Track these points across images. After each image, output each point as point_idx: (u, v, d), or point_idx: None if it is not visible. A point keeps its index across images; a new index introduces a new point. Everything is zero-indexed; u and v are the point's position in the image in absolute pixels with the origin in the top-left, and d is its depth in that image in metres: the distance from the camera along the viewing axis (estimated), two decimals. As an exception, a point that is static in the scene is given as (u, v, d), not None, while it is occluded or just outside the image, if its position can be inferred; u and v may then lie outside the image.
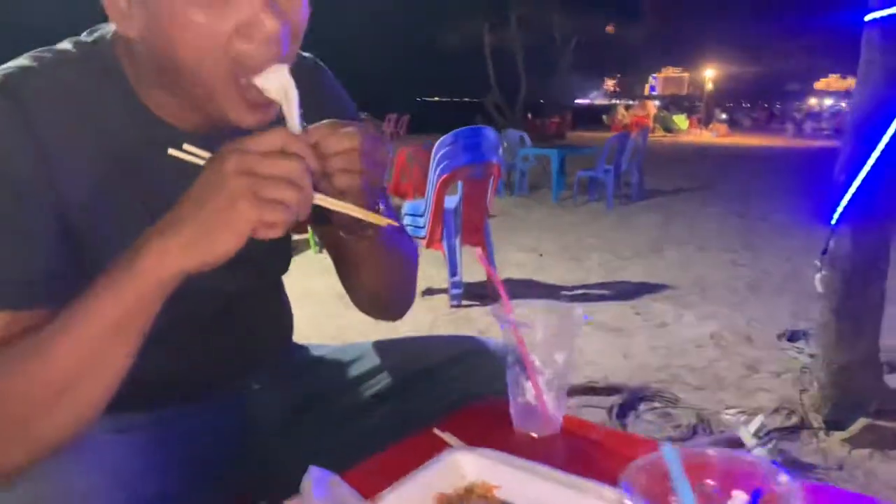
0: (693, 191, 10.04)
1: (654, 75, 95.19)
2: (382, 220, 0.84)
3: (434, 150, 4.17)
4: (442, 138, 4.19)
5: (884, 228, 2.58)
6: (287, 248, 1.14)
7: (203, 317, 0.97)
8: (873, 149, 2.50)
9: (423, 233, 4.25)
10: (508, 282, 4.78)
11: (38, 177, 0.79)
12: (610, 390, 3.00)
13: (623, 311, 4.19)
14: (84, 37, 0.91)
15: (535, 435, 0.96)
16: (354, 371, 1.20)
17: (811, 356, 3.29)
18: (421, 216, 4.27)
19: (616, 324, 3.94)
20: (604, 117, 31.71)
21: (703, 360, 3.37)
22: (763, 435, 2.51)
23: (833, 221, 2.62)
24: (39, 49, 0.88)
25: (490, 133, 4.40)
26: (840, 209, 2.57)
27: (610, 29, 27.43)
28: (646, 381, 3.10)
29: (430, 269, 4.88)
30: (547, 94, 28.64)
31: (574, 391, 2.95)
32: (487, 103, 22.99)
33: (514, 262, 5.41)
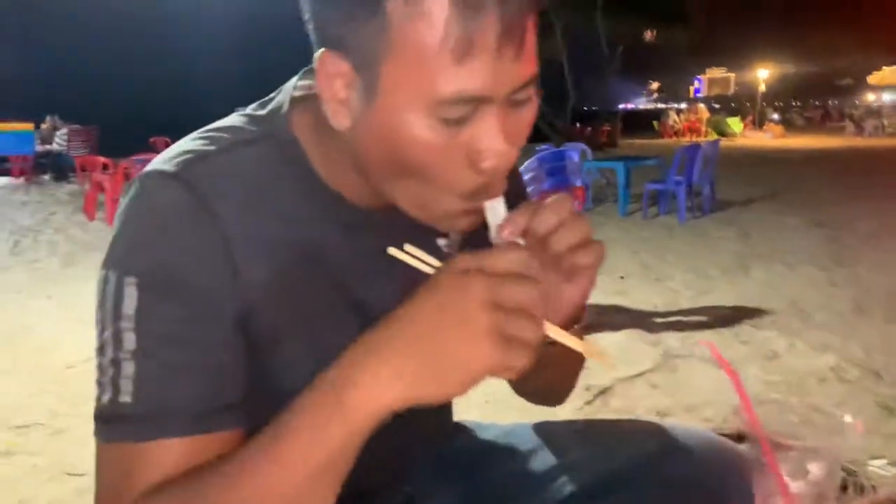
0: (764, 199, 9.66)
1: (699, 77, 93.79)
2: (606, 361, 0.77)
3: (519, 176, 3.99)
4: (525, 163, 4.02)
5: None
6: None
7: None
8: None
9: (508, 262, 4.07)
10: (591, 308, 4.55)
11: (224, 283, 0.70)
12: (738, 437, 2.76)
13: (726, 339, 3.94)
14: (255, 109, 0.80)
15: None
16: (539, 464, 0.99)
17: (953, 393, 3.03)
18: (506, 245, 4.09)
19: (723, 354, 3.68)
20: (654, 123, 31.21)
21: (829, 399, 3.10)
22: (929, 493, 2.25)
23: None
24: (210, 127, 0.78)
25: (573, 155, 4.23)
26: None
27: (650, 35, 26.98)
28: (771, 424, 2.85)
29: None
30: (593, 101, 28.33)
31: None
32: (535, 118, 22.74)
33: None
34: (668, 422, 1.03)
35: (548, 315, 0.69)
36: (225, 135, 0.76)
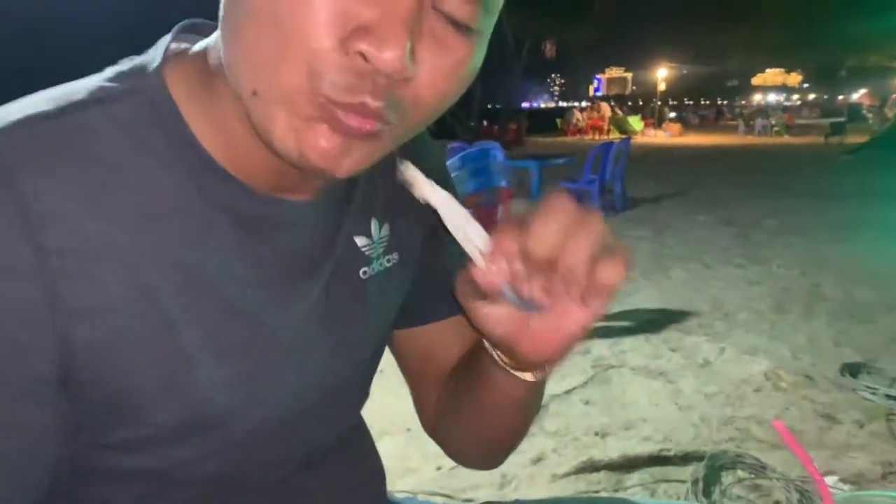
0: (672, 197, 9.78)
1: (598, 76, 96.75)
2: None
3: (440, 178, 3.72)
4: (447, 163, 3.74)
5: None
6: (380, 358, 0.76)
7: (272, 487, 0.65)
8: None
9: (429, 270, 3.79)
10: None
11: (35, 325, 0.46)
12: (685, 458, 2.58)
13: (656, 347, 3.79)
14: (122, 65, 0.56)
15: None
16: None
17: (888, 397, 2.97)
18: (427, 252, 3.81)
19: (655, 365, 3.53)
20: (558, 121, 31.70)
21: (768, 409, 2.99)
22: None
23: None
24: (57, 88, 0.53)
25: (498, 154, 3.98)
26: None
27: (550, 48, 27.32)
28: (715, 441, 2.70)
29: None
30: (498, 99, 28.50)
31: (645, 462, 2.53)
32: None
33: (515, 290, 4.97)
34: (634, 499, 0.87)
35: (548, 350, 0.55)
36: (67, 91, 0.52)
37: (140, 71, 0.55)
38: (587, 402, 3.13)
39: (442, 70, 0.48)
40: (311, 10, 0.42)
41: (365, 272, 0.66)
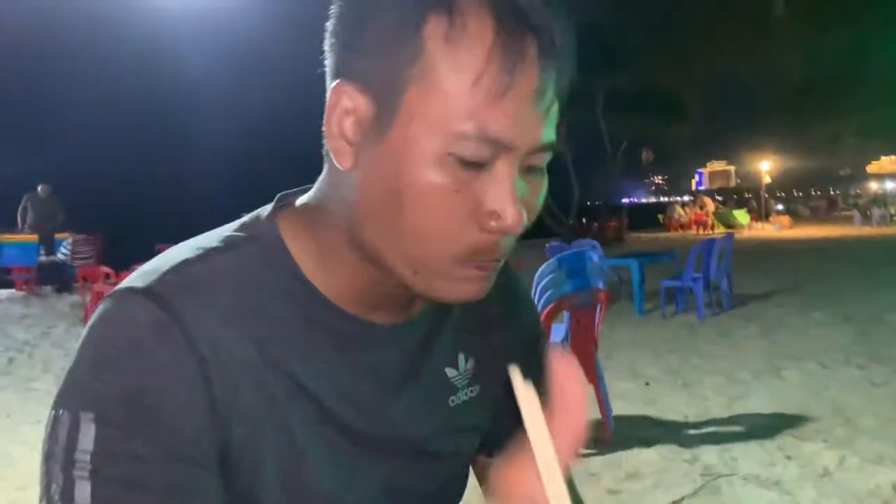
0: (783, 293, 9.38)
1: (699, 170, 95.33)
2: None
3: (536, 279, 3.77)
4: (545, 265, 3.80)
5: None
6: (465, 480, 0.82)
7: None
8: None
9: (527, 373, 3.78)
10: (617, 419, 4.22)
11: (201, 415, 0.58)
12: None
13: (770, 454, 3.59)
14: (244, 218, 0.70)
15: None
16: None
17: None
18: (525, 354, 3.82)
19: (769, 473, 3.34)
20: (660, 216, 31.27)
21: (899, 526, 2.75)
22: None
23: None
24: (195, 238, 0.67)
25: (594, 256, 4.01)
26: None
27: (647, 156, 27.39)
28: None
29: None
30: (597, 196, 28.51)
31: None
32: (542, 212, 22.81)
33: (617, 394, 4.83)
34: None
35: None
36: (204, 242, 0.65)
37: (256, 220, 0.68)
38: (697, 514, 2.99)
39: (533, 205, 0.62)
40: (458, 216, 0.58)
41: (453, 400, 0.75)
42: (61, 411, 0.57)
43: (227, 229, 0.68)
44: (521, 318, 0.84)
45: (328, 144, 0.61)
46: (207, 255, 0.63)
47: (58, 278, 11.06)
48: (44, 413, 4.67)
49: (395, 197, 0.57)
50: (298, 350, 0.64)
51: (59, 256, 11.41)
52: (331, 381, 0.65)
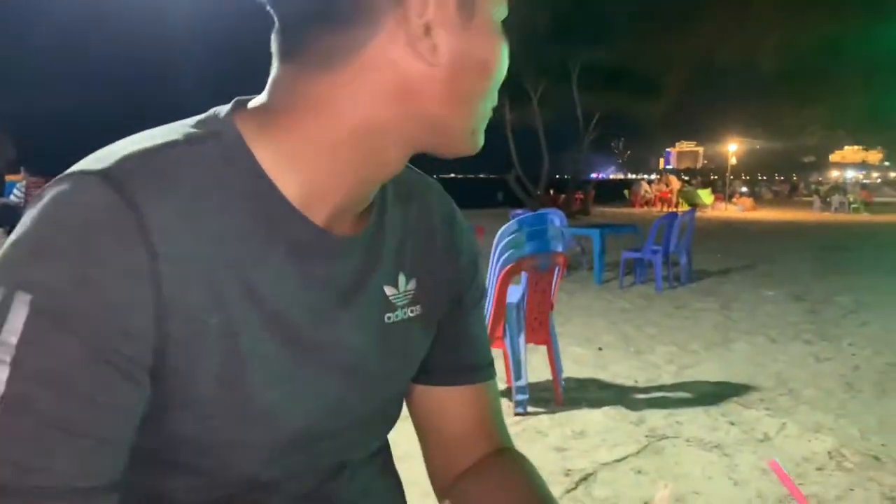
0: (740, 271, 9.56)
1: (668, 150, 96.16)
2: None
3: (496, 239, 3.76)
4: (505, 226, 3.79)
5: None
6: (402, 400, 0.85)
7: (304, 493, 0.73)
8: None
9: (482, 331, 3.79)
10: (569, 381, 4.29)
11: (143, 317, 0.56)
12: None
13: (714, 419, 3.67)
14: (202, 115, 0.68)
15: None
16: None
17: (963, 484, 2.79)
18: (481, 312, 3.82)
19: (711, 437, 3.42)
20: (625, 192, 31.54)
21: (831, 489, 2.85)
22: None
23: None
24: (165, 126, 0.65)
25: (555, 219, 4.01)
26: None
27: (618, 148, 27.38)
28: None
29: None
30: (566, 169, 28.60)
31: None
32: (510, 180, 22.83)
33: (570, 357, 4.90)
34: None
35: None
36: (161, 134, 0.62)
37: (214, 118, 0.66)
38: (639, 472, 3.05)
39: None
40: (500, 73, 0.67)
41: (389, 318, 0.74)
42: None
43: (184, 125, 0.65)
44: (462, 247, 0.85)
45: (408, 48, 0.61)
46: (168, 146, 0.60)
47: (11, 221, 10.78)
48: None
49: (484, 68, 0.65)
50: (254, 253, 0.62)
51: (12, 199, 11.10)
52: (282, 289, 0.64)
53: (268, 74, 0.66)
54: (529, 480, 0.81)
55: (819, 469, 3.05)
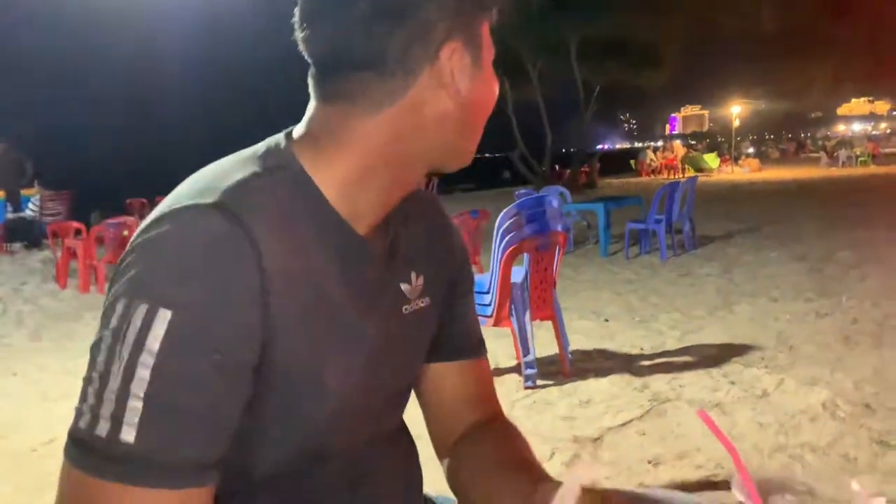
0: (743, 234, 9.68)
1: (674, 115, 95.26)
2: None
3: (497, 223, 3.93)
4: (505, 210, 3.96)
5: None
6: (406, 395, 1.00)
7: (334, 473, 0.87)
8: None
9: (489, 311, 3.97)
10: (576, 353, 4.47)
11: (254, 326, 0.70)
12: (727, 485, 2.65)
13: (715, 380, 3.85)
14: (247, 154, 0.81)
15: None
16: None
17: (947, 425, 2.95)
18: (486, 293, 4.00)
19: (711, 397, 3.60)
20: (632, 162, 31.50)
21: (823, 437, 3.02)
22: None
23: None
24: (213, 166, 0.78)
25: (553, 201, 4.16)
26: None
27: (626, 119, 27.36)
28: (765, 468, 2.76)
29: (489, 345, 4.59)
30: (571, 143, 28.56)
31: (694, 487, 2.62)
32: (514, 158, 22.91)
33: (577, 330, 5.09)
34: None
35: None
36: (242, 165, 0.76)
37: (276, 149, 0.80)
38: (643, 434, 3.23)
39: None
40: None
41: (406, 309, 0.91)
42: (136, 301, 0.65)
43: (255, 156, 0.79)
44: (454, 245, 1.02)
45: (443, 95, 0.78)
46: (254, 177, 0.74)
47: (27, 235, 11.03)
48: (19, 367, 4.82)
49: (489, 103, 0.84)
50: (323, 261, 0.77)
51: (28, 213, 11.35)
52: (341, 289, 0.79)
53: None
54: (514, 443, 0.94)
55: (812, 419, 3.22)
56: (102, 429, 0.64)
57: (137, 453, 0.63)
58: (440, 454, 1.01)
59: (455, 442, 0.98)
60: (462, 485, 0.95)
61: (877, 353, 4.16)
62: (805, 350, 4.32)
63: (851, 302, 5.42)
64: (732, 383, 3.80)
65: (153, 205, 0.77)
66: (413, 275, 0.92)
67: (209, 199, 0.69)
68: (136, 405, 0.63)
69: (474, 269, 5.23)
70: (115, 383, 0.64)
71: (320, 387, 0.78)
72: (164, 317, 0.64)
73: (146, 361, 0.64)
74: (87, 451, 0.64)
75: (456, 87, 0.77)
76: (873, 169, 25.74)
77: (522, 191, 9.39)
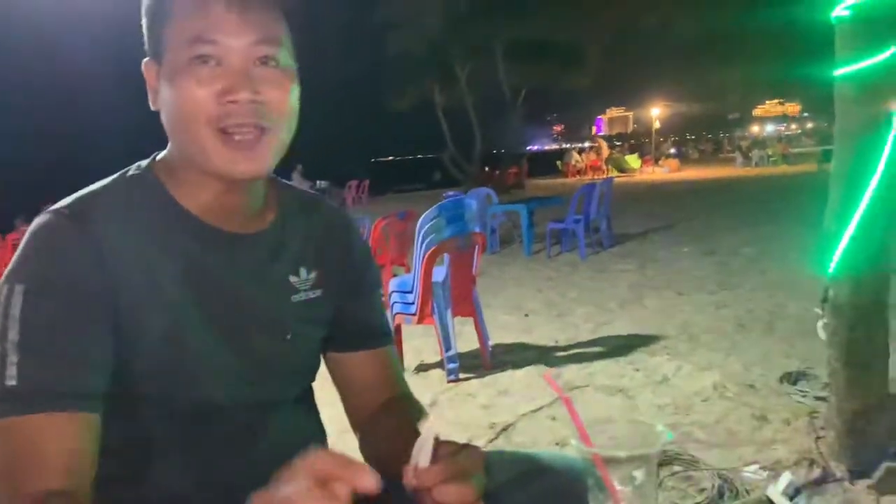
0: (658, 231, 10.19)
1: (599, 117, 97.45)
2: None
3: (418, 225, 4.16)
4: (425, 213, 4.19)
5: (882, 272, 2.62)
6: (315, 360, 1.15)
7: (228, 432, 1.01)
8: (860, 195, 2.56)
9: (412, 309, 4.20)
10: (497, 347, 4.74)
11: (98, 288, 0.89)
12: (629, 459, 2.95)
13: (622, 368, 4.17)
14: (131, 169, 1.04)
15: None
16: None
17: (817, 398, 3.32)
18: (409, 292, 4.23)
19: (617, 383, 3.91)
20: (558, 163, 32.29)
21: (711, 415, 3.35)
22: (792, 492, 2.48)
23: (831, 270, 2.65)
24: (105, 180, 1.00)
25: (472, 203, 4.42)
26: (837, 257, 2.61)
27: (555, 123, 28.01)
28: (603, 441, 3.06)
29: (416, 341, 4.83)
30: (500, 144, 29.06)
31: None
32: (444, 159, 23.24)
33: (499, 325, 5.37)
34: (550, 452, 1.15)
35: None
36: (103, 181, 1.00)
37: (137, 167, 1.03)
38: (553, 419, 3.50)
39: (275, 92, 0.94)
40: (197, 101, 0.91)
41: (294, 298, 1.08)
42: (4, 286, 0.86)
43: (123, 176, 1.01)
44: (354, 245, 1.18)
45: (150, 101, 0.98)
46: (105, 186, 0.98)
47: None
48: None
49: (175, 107, 0.93)
50: (175, 251, 0.96)
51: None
52: (202, 274, 0.97)
53: None
54: (411, 417, 1.02)
55: (704, 400, 3.56)
56: None
57: (21, 391, 0.82)
58: (354, 428, 1.18)
59: (367, 417, 1.15)
60: (370, 452, 1.13)
61: (766, 338, 4.56)
62: (704, 338, 4.69)
63: (749, 293, 5.86)
64: (637, 370, 4.12)
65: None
66: (302, 269, 1.08)
67: (62, 205, 0.92)
68: (13, 358, 0.83)
69: (401, 269, 5.49)
70: None
71: (188, 359, 0.95)
72: (19, 290, 0.85)
73: (12, 325, 0.84)
74: None
75: (154, 88, 0.97)
76: (784, 168, 27.14)
77: (451, 192, 9.67)
